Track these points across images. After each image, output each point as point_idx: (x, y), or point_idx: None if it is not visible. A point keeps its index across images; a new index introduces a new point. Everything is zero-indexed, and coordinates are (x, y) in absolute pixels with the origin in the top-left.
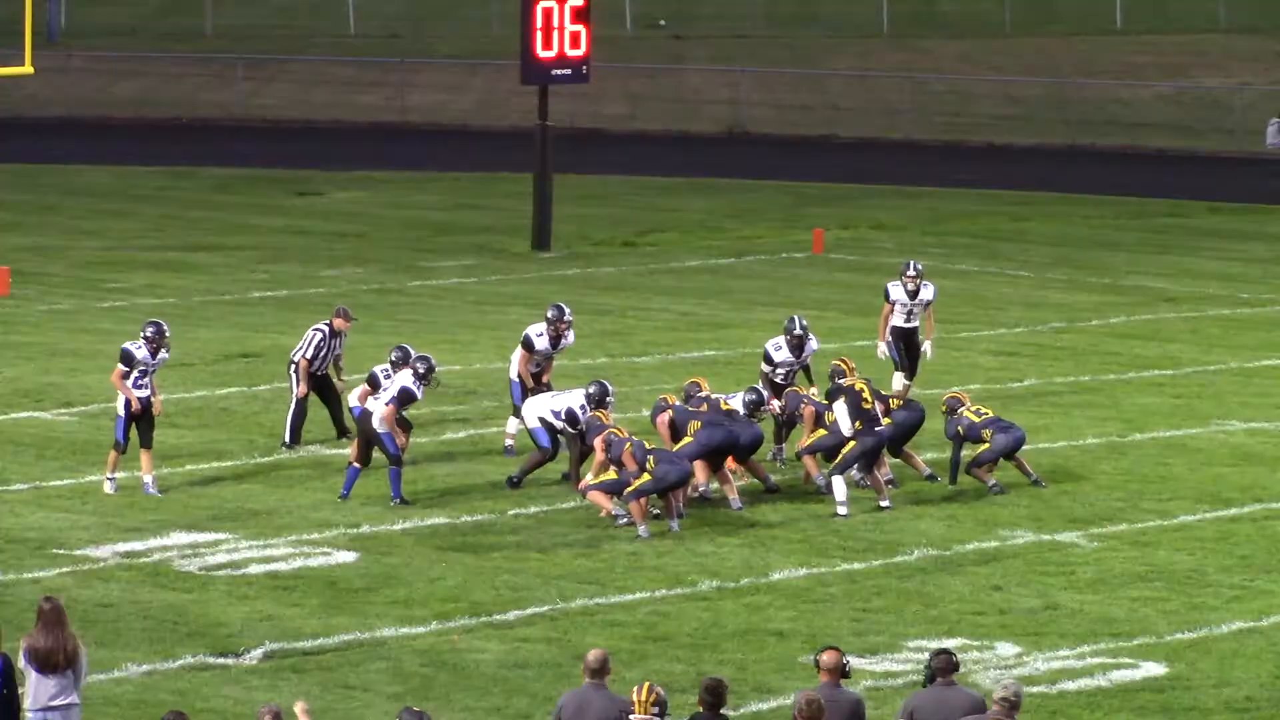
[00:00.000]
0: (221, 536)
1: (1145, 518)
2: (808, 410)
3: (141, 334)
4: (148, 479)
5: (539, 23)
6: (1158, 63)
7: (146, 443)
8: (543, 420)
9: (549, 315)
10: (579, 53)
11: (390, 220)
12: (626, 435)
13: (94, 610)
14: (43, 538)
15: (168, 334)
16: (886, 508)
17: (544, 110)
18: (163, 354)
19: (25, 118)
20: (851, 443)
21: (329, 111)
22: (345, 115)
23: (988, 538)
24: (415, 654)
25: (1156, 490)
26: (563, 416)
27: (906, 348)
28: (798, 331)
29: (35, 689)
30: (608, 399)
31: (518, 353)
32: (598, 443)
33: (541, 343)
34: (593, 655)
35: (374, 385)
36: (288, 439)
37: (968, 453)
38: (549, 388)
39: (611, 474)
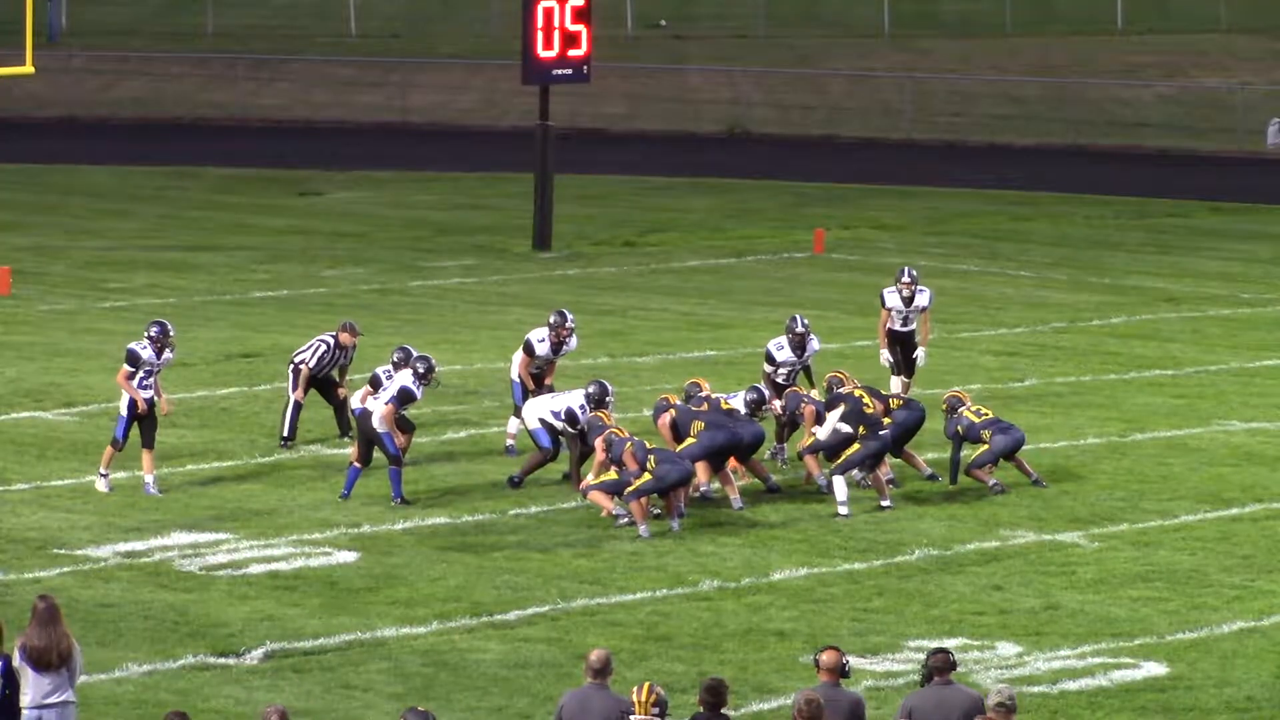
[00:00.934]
0: (222, 536)
1: (1146, 518)
2: (808, 410)
3: (146, 334)
4: (149, 479)
5: (540, 23)
6: (1158, 62)
7: (148, 443)
8: (543, 421)
9: (551, 320)
10: (580, 53)
11: (391, 220)
12: (627, 435)
13: (95, 610)
14: (44, 538)
15: (172, 334)
16: (887, 507)
17: (545, 110)
18: (168, 354)
19: (26, 117)
20: (855, 445)
21: (329, 111)
22: (346, 115)
23: (988, 538)
24: (416, 654)
25: (1157, 490)
26: (562, 417)
27: (902, 351)
28: (799, 330)
29: (31, 687)
30: (607, 399)
31: (519, 355)
32: (598, 443)
33: (543, 348)
34: (595, 655)
35: (375, 386)
36: (285, 434)
37: (967, 453)
38: (550, 389)
39: (612, 474)
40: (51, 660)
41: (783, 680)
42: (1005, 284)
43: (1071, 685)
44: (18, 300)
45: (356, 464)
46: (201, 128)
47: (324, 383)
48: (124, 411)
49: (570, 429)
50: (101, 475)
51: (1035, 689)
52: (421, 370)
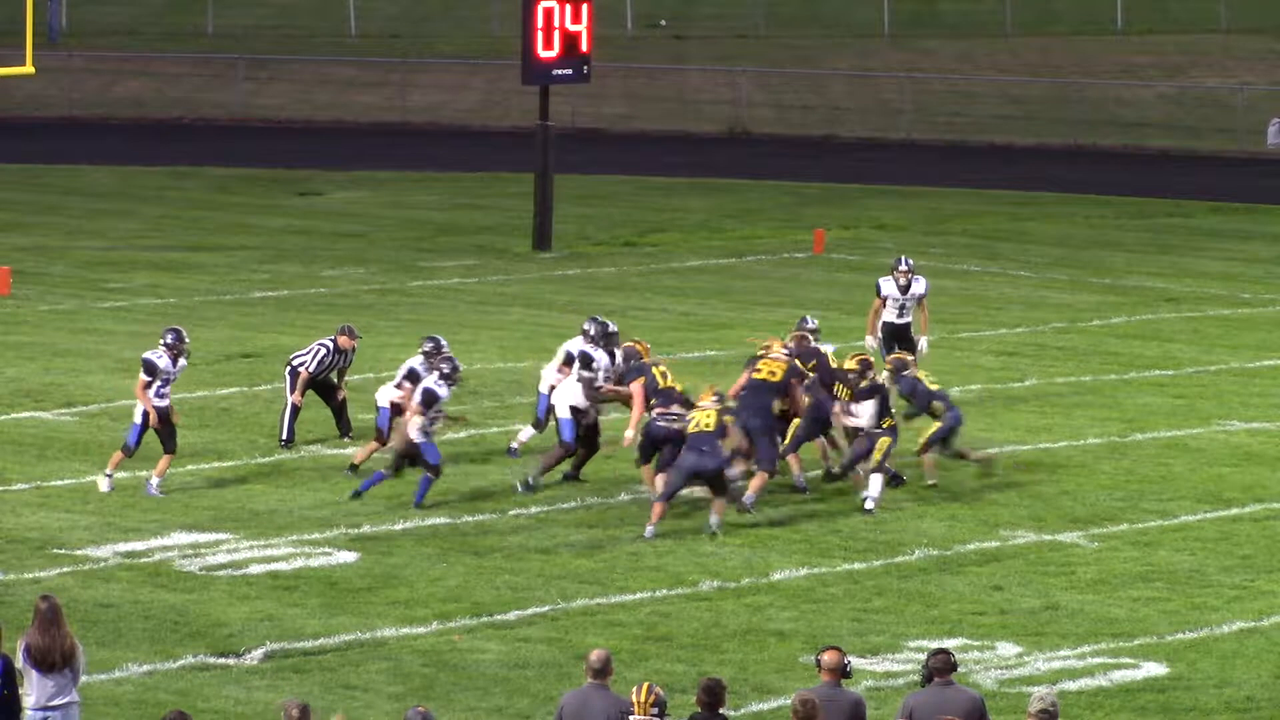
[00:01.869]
0: (222, 536)
1: (1146, 518)
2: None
3: (161, 341)
4: (155, 480)
5: (540, 23)
6: (1158, 63)
7: (170, 448)
8: (573, 409)
9: (587, 329)
10: (580, 53)
11: (391, 220)
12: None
13: (95, 610)
14: (44, 538)
15: (187, 340)
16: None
17: (545, 110)
18: (182, 361)
19: (26, 118)
20: (887, 439)
21: (330, 111)
22: (346, 115)
23: (988, 538)
24: (416, 654)
25: (1157, 490)
26: (576, 357)
27: (900, 344)
28: (811, 327)
29: (35, 688)
30: (610, 331)
31: (553, 365)
32: (636, 388)
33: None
34: (595, 655)
35: (414, 380)
36: (284, 437)
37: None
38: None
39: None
40: (55, 661)
41: (782, 680)
42: (1005, 284)
43: (1071, 685)
44: (18, 300)
45: (384, 471)
46: (201, 128)
47: (323, 385)
48: (138, 420)
49: (587, 371)
50: (106, 475)
51: (1035, 689)
52: (446, 370)
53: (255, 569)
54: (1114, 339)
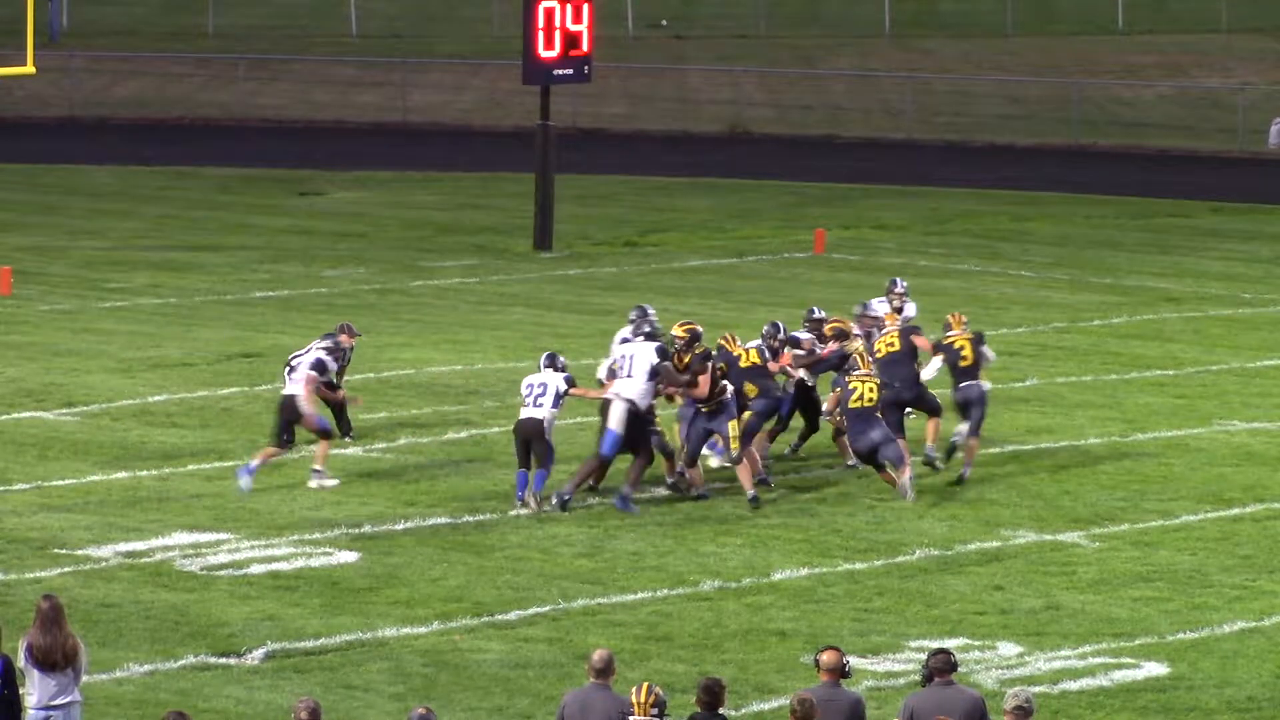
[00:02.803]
0: (223, 536)
1: (1147, 518)
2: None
3: (332, 340)
4: (319, 469)
5: (541, 23)
6: (1159, 62)
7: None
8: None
9: (632, 317)
10: (580, 53)
11: (392, 220)
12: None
13: (96, 610)
14: (45, 538)
15: (344, 344)
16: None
17: (546, 110)
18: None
19: (27, 117)
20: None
21: (330, 111)
22: (347, 115)
23: (989, 538)
24: (417, 654)
25: (1158, 490)
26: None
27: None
28: (817, 316)
29: (37, 688)
30: (649, 314)
31: (605, 365)
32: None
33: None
34: (598, 655)
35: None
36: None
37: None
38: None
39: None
40: (57, 660)
41: (783, 680)
42: (1006, 284)
43: (1072, 685)
44: (18, 300)
45: (521, 469)
46: (202, 128)
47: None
48: (322, 415)
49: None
50: (249, 470)
51: (1036, 689)
52: (560, 364)
53: (256, 569)
54: (1115, 339)
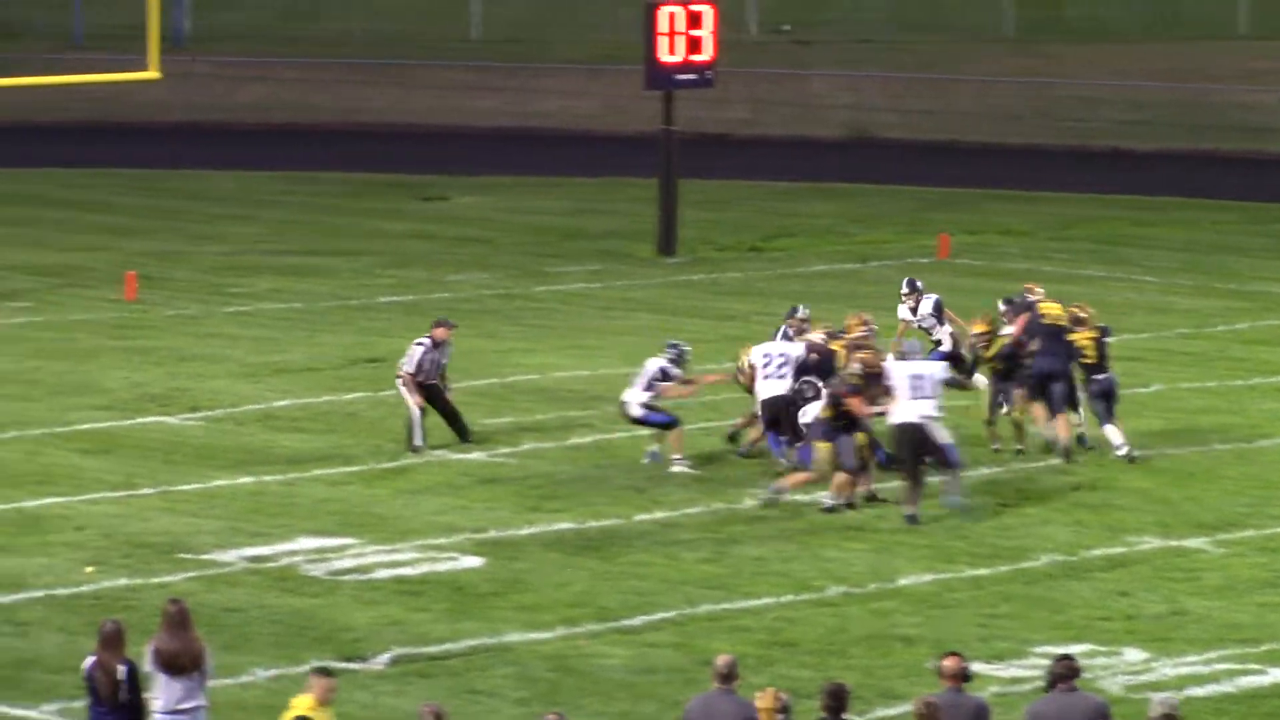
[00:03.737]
0: (348, 541)
1: (1272, 524)
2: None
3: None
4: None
5: (663, 28)
6: None
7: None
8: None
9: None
10: (703, 58)
11: (515, 225)
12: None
13: (221, 615)
14: (170, 542)
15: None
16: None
17: (668, 115)
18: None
19: (149, 123)
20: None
21: (451, 116)
22: (467, 120)
23: (1114, 543)
24: (542, 659)
25: None
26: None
27: (954, 365)
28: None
29: (164, 692)
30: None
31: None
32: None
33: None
34: (721, 660)
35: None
36: (415, 443)
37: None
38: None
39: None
40: (184, 664)
41: (908, 686)
42: (1130, 289)
43: (1198, 691)
44: (144, 305)
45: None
46: (323, 132)
47: (431, 392)
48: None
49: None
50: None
51: (1156, 695)
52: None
53: (381, 574)
54: (1239, 344)
